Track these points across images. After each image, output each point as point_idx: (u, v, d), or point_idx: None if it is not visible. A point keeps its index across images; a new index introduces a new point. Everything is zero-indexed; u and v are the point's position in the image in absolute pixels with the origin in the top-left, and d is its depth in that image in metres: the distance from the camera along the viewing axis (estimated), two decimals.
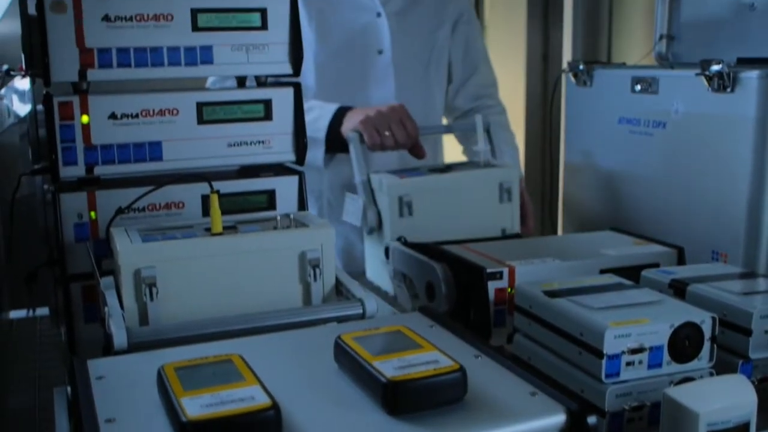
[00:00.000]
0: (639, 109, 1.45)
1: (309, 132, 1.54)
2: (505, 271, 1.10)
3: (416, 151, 1.58)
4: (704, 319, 0.85)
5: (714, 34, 1.53)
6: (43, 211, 1.21)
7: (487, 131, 1.51)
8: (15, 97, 2.06)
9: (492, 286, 1.09)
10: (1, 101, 1.93)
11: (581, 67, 1.59)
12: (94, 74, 1.13)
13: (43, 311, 1.44)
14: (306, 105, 1.60)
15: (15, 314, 1.53)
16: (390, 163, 1.65)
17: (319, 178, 1.76)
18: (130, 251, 0.95)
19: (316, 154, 1.60)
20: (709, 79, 1.28)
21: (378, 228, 1.41)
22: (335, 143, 1.59)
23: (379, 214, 1.40)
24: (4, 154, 1.88)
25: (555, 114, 1.89)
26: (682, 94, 1.36)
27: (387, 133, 1.50)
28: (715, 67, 1.26)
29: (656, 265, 1.16)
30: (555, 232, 1.81)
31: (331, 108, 1.61)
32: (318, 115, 1.61)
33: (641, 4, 2.54)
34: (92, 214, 1.13)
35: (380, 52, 1.76)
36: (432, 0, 1.84)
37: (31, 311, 1.45)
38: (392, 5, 1.78)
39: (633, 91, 1.46)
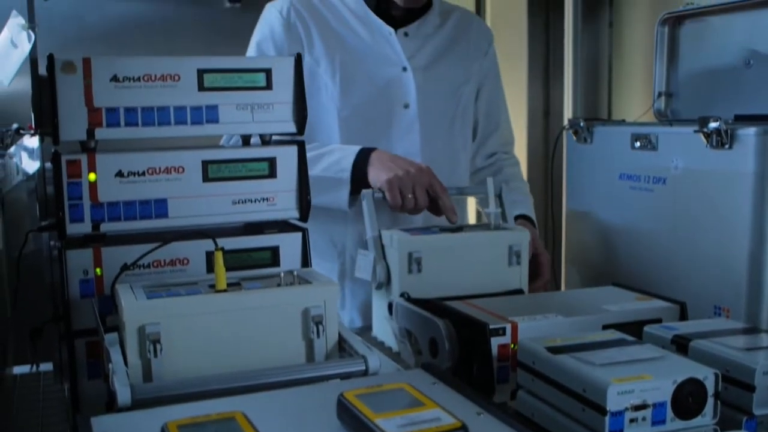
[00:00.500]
0: (639, 165, 1.47)
1: (332, 173, 1.57)
2: (508, 327, 1.10)
3: (446, 211, 1.52)
4: (707, 375, 0.85)
5: (712, 91, 1.56)
6: (50, 267, 1.22)
7: (499, 196, 1.52)
8: (24, 155, 2.08)
9: (495, 342, 1.09)
10: (11, 159, 1.95)
11: (582, 124, 1.61)
12: (102, 133, 1.15)
13: (46, 367, 1.44)
14: (326, 148, 1.62)
15: (18, 369, 1.53)
16: (416, 222, 1.64)
17: (343, 232, 1.74)
18: (135, 308, 0.95)
19: (340, 195, 1.59)
20: (708, 135, 1.30)
21: (387, 283, 1.41)
22: (360, 184, 1.56)
23: (388, 269, 1.40)
24: (12, 211, 1.89)
25: (556, 170, 1.90)
26: (681, 151, 1.37)
27: (410, 196, 1.49)
28: (713, 124, 1.28)
29: (659, 321, 1.16)
30: (558, 287, 1.81)
31: (353, 149, 1.60)
32: (340, 156, 1.60)
33: (640, 62, 2.58)
34: (98, 270, 1.13)
35: (406, 106, 1.75)
36: (458, 55, 1.83)
37: (34, 367, 1.45)
38: (418, 59, 1.76)
39: (633, 147, 1.48)
